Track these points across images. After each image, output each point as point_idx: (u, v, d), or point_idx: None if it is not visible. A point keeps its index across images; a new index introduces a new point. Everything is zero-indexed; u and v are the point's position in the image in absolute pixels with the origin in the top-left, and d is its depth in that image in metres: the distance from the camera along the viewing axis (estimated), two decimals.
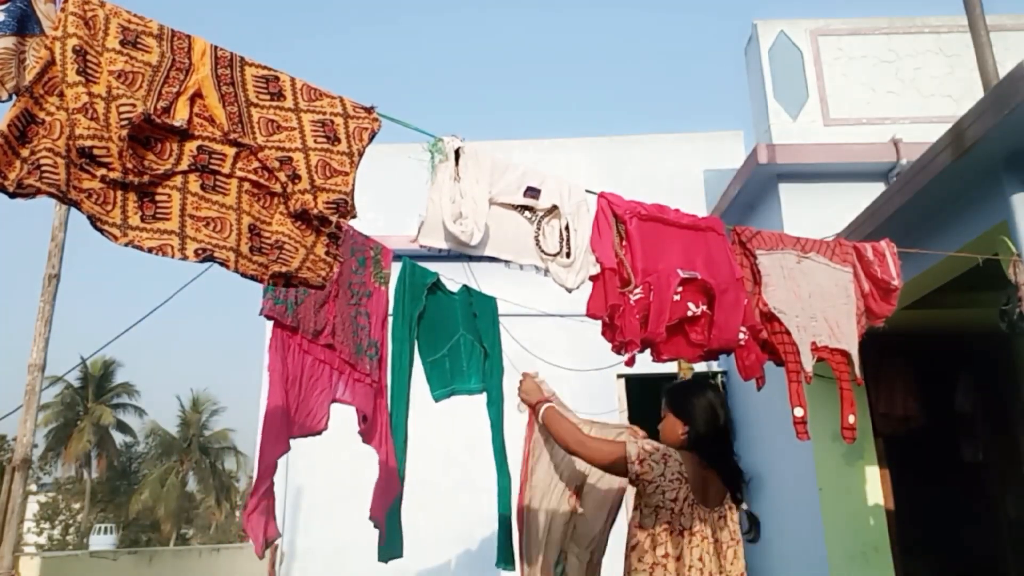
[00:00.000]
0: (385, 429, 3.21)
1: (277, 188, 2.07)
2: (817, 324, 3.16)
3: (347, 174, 2.16)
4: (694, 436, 2.62)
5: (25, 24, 1.84)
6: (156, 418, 39.78)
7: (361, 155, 2.21)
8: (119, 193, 1.87)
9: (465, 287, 3.55)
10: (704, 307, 2.91)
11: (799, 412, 3.01)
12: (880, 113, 6.12)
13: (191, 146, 1.99)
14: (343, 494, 6.53)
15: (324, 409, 3.07)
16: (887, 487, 5.18)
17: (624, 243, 2.82)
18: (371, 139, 2.25)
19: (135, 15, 1.97)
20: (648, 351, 2.83)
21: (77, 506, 33.23)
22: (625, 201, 2.88)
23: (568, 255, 2.72)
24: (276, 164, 2.07)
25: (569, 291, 2.74)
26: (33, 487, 30.48)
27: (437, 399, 3.36)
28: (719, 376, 7.16)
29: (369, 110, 2.26)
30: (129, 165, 1.85)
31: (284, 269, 2.05)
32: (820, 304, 3.18)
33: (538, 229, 2.71)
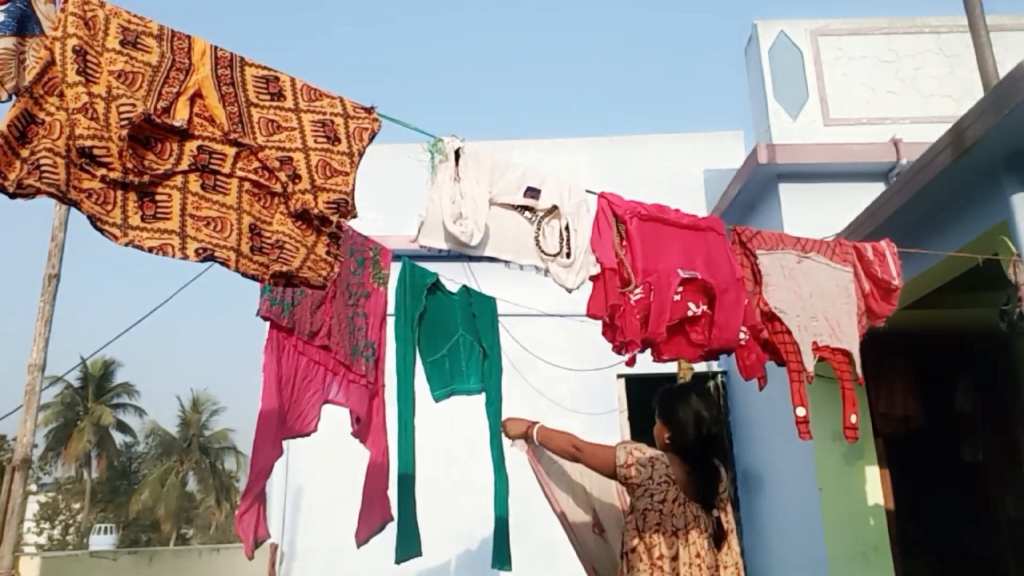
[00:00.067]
0: (380, 430, 3.21)
1: (277, 188, 2.07)
2: (818, 324, 3.16)
3: (347, 174, 2.17)
4: (677, 442, 2.73)
5: (25, 24, 1.84)
6: (156, 418, 39.82)
7: (361, 155, 2.21)
8: (119, 193, 1.87)
9: (465, 287, 3.55)
10: (704, 307, 2.91)
11: (801, 412, 3.02)
12: (880, 113, 6.12)
13: (191, 146, 1.99)
14: (343, 494, 6.49)
15: (315, 411, 3.08)
16: (887, 487, 5.18)
17: (624, 243, 2.82)
18: (371, 139, 2.25)
19: (135, 15, 1.97)
20: (648, 351, 2.84)
21: (77, 506, 33.24)
22: (625, 201, 2.88)
23: (568, 255, 2.72)
24: (276, 164, 2.07)
25: (569, 291, 2.74)
26: (33, 487, 30.49)
27: (437, 399, 3.36)
28: (719, 376, 7.16)
29: (369, 110, 2.26)
30: (129, 165, 1.85)
31: (285, 269, 2.05)
32: (821, 304, 3.18)
33: (538, 229, 2.70)
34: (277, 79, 2.15)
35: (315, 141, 2.14)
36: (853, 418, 3.17)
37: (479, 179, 2.58)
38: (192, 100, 2.00)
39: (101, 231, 1.85)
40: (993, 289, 3.53)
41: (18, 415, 6.04)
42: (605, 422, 6.89)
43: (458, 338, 3.44)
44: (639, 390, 7.11)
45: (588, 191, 2.85)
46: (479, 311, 3.49)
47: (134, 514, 32.25)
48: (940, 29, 6.38)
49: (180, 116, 1.97)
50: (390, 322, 3.27)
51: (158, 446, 35.32)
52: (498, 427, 3.40)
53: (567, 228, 2.75)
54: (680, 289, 2.85)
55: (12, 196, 1.75)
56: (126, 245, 1.86)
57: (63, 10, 1.86)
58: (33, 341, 6.13)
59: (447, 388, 3.39)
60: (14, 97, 1.79)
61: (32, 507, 31.10)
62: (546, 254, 2.69)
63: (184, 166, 1.98)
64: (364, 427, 3.18)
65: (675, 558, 2.56)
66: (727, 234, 3.13)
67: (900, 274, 3.35)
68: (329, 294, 3.04)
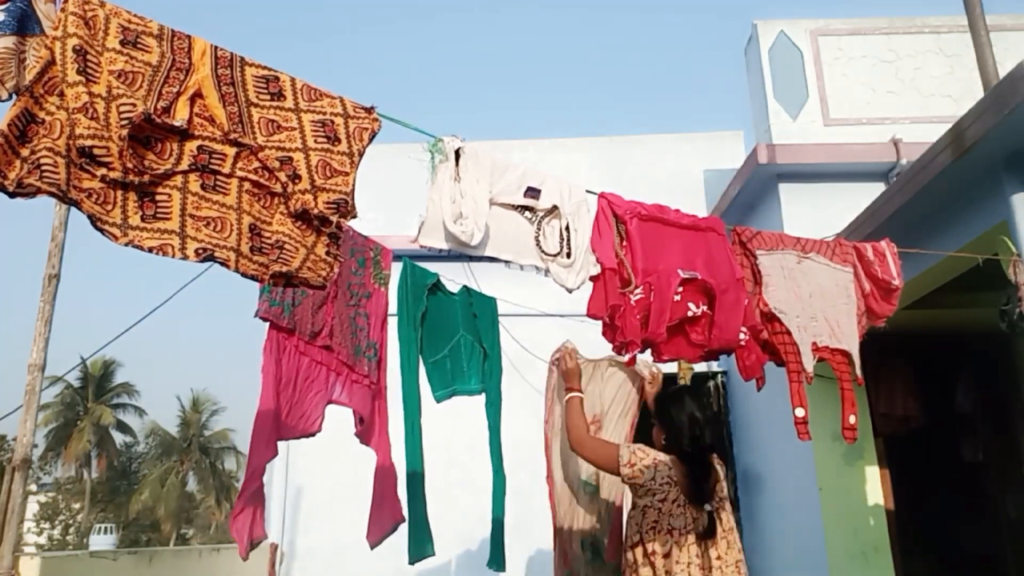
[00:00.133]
0: (383, 430, 3.21)
1: (277, 188, 2.07)
2: (818, 324, 3.16)
3: (347, 174, 2.16)
4: (672, 444, 2.80)
5: (25, 24, 1.84)
6: (156, 418, 39.80)
7: (361, 155, 2.21)
8: (119, 193, 1.87)
9: (465, 287, 3.55)
10: (704, 307, 2.91)
11: (800, 412, 3.02)
12: (880, 113, 6.12)
13: (191, 146, 1.99)
14: (343, 494, 6.52)
15: (319, 411, 3.07)
16: (887, 487, 5.18)
17: (624, 243, 2.82)
18: (371, 139, 2.25)
19: (135, 15, 1.97)
20: (649, 351, 2.84)
21: (77, 506, 33.23)
22: (625, 201, 2.88)
23: (568, 255, 2.72)
24: (276, 164, 2.07)
25: (569, 291, 2.74)
26: (33, 487, 30.48)
27: (439, 400, 3.36)
28: (719, 376, 7.15)
29: (369, 110, 2.26)
30: (129, 165, 1.85)
31: (285, 269, 2.05)
32: (821, 304, 3.18)
33: (538, 229, 2.70)
34: (277, 79, 2.15)
35: (315, 141, 2.14)
36: (852, 419, 3.16)
37: (479, 179, 2.58)
38: (192, 100, 2.00)
39: (101, 231, 1.85)
40: (993, 289, 3.53)
41: (18, 415, 6.04)
42: None
43: (459, 338, 3.44)
44: None
45: (588, 191, 2.85)
46: (480, 311, 3.49)
47: (134, 514, 32.24)
48: (940, 29, 6.38)
49: (180, 116, 1.97)
50: (391, 322, 3.27)
51: (158, 446, 35.30)
52: (498, 427, 3.41)
53: (567, 228, 2.75)
54: (680, 289, 2.85)
55: (12, 195, 1.75)
56: (126, 245, 1.87)
57: (63, 10, 1.86)
58: (33, 341, 6.12)
59: (448, 389, 3.39)
60: (14, 96, 1.79)
61: (32, 507, 31.09)
62: (546, 254, 2.69)
63: (184, 166, 1.98)
64: (368, 428, 3.18)
65: (667, 555, 2.62)
66: (727, 234, 3.12)
67: (900, 274, 3.35)
68: (331, 294, 3.04)
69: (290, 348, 2.98)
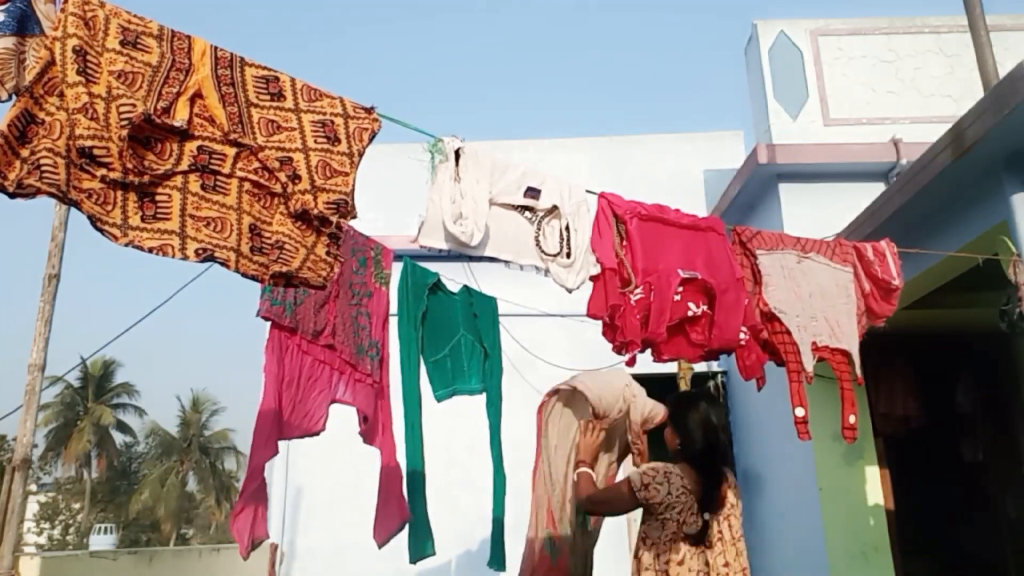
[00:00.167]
0: (387, 429, 3.21)
1: (277, 188, 2.07)
2: (818, 324, 3.16)
3: (347, 174, 2.16)
4: (687, 448, 2.74)
5: (25, 24, 1.84)
6: (156, 418, 39.78)
7: (361, 155, 2.21)
8: (119, 193, 1.87)
9: (465, 287, 3.55)
10: (704, 307, 2.91)
11: (800, 412, 3.02)
12: (880, 113, 6.12)
13: (191, 146, 1.99)
14: (343, 494, 6.53)
15: (323, 410, 3.07)
16: (887, 487, 5.18)
17: (624, 243, 2.82)
18: (371, 139, 2.25)
19: (135, 15, 1.97)
20: (649, 351, 2.84)
21: (77, 506, 33.22)
22: (625, 201, 2.88)
23: (568, 255, 2.72)
24: (276, 164, 2.07)
25: (569, 291, 2.74)
26: (33, 487, 30.47)
27: (439, 399, 3.36)
28: (719, 376, 7.15)
29: (369, 110, 2.26)
30: (129, 165, 1.85)
31: (285, 269, 2.05)
32: (820, 304, 3.18)
33: (538, 229, 2.70)
34: (277, 79, 2.15)
35: (315, 141, 2.14)
36: (852, 419, 3.17)
37: (479, 179, 2.58)
38: (192, 100, 2.00)
39: (101, 231, 1.85)
40: (993, 289, 3.53)
41: (18, 415, 6.03)
42: None
43: (459, 338, 3.44)
44: None
45: (588, 191, 2.85)
46: (480, 311, 3.50)
47: (134, 514, 32.23)
48: (940, 29, 6.38)
49: (180, 116, 1.97)
50: (392, 322, 3.27)
51: (158, 446, 35.29)
52: (498, 427, 3.41)
53: (567, 228, 2.74)
54: (680, 289, 2.85)
55: (12, 196, 1.75)
56: (126, 245, 1.87)
57: (63, 10, 1.86)
58: (33, 341, 6.12)
59: (449, 388, 3.39)
60: (14, 97, 1.79)
61: (32, 507, 31.08)
62: (546, 254, 2.69)
63: (184, 166, 1.98)
64: (371, 427, 3.17)
65: (681, 563, 2.61)
66: (727, 234, 3.12)
67: (900, 274, 3.35)
68: (332, 293, 3.04)
69: (292, 347, 2.98)
